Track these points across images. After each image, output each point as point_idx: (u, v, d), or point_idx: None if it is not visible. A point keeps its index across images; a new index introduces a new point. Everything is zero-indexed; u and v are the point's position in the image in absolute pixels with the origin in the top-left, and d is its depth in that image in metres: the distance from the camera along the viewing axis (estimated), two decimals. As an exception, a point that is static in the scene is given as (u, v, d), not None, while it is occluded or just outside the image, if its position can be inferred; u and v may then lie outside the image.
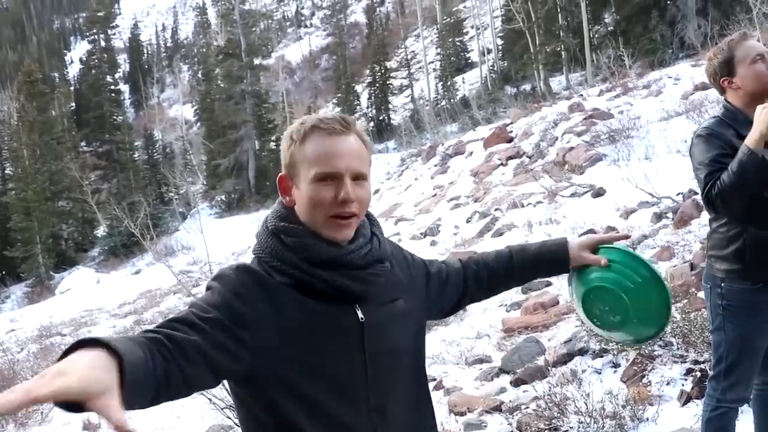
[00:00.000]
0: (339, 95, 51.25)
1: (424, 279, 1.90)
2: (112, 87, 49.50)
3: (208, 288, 1.61)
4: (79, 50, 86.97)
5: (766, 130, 2.64)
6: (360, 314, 1.66)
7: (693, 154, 2.93)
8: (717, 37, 19.44)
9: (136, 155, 48.95)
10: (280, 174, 1.70)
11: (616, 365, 5.06)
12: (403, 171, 25.48)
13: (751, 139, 2.68)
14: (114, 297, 21.59)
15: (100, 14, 51.91)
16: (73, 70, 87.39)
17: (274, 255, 1.64)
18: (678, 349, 4.81)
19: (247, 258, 1.75)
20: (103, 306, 20.11)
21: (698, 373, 4.40)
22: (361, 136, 1.69)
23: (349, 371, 1.63)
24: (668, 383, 4.52)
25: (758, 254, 2.85)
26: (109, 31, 52.79)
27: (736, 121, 2.88)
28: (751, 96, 2.87)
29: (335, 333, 1.62)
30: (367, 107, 49.94)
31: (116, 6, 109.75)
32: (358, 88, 52.30)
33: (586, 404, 4.26)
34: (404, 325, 1.77)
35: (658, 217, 9.06)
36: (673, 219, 8.55)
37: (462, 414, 5.16)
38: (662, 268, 6.92)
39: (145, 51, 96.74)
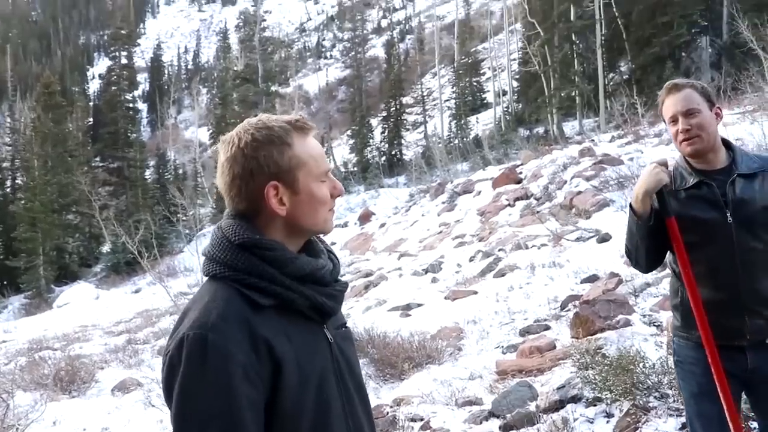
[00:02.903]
0: (354, 127, 51.36)
1: None
2: (130, 104, 49.84)
3: (197, 367, 1.40)
4: (101, 66, 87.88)
5: (642, 193, 2.62)
6: (329, 335, 1.61)
7: None
8: (729, 89, 19.44)
9: (147, 174, 49.14)
10: (270, 183, 1.53)
11: (609, 415, 4.87)
12: (410, 206, 25.44)
13: (632, 196, 2.69)
14: (111, 314, 21.42)
15: (123, 32, 52.53)
16: (94, 86, 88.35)
17: (251, 272, 1.49)
18: (674, 401, 4.63)
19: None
20: (98, 323, 19.91)
21: (693, 430, 4.22)
22: None
23: (332, 396, 1.55)
24: (662, 438, 4.33)
25: (687, 316, 2.71)
26: (132, 49, 53.27)
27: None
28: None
29: (318, 359, 1.55)
30: (381, 141, 50.03)
31: (141, 26, 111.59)
32: (373, 121, 52.37)
33: (574, 454, 4.08)
34: (354, 350, 1.73)
35: (664, 265, 8.88)
36: (677, 269, 8.37)
37: (446, 456, 4.97)
38: (663, 317, 6.75)
39: (166, 72, 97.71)
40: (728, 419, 2.58)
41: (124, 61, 50.57)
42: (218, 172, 1.59)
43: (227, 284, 1.50)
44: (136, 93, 60.29)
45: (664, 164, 2.68)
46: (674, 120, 2.69)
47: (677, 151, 2.82)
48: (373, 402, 6.66)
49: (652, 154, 15.48)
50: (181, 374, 1.40)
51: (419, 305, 11.21)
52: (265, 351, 1.43)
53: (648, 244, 2.66)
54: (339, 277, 1.67)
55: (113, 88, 49.84)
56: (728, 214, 2.61)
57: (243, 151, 1.54)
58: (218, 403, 1.37)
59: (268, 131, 1.54)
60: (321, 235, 1.70)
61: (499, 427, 5.29)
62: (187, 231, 35.22)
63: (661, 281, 8.29)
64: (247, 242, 1.50)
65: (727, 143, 2.76)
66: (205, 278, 1.58)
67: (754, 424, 3.98)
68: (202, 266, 1.59)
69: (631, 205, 2.68)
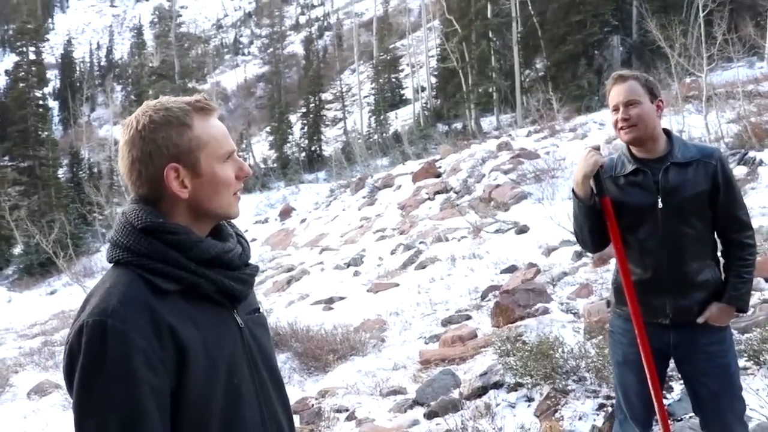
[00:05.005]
0: (272, 124, 50.81)
1: None
2: (40, 101, 47.87)
3: (97, 357, 1.36)
4: (6, 63, 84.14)
5: (581, 177, 2.78)
6: (239, 320, 1.58)
7: None
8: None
9: (60, 173, 47.35)
10: (170, 165, 1.49)
11: (530, 399, 5.00)
12: (331, 201, 25.41)
13: (573, 181, 2.88)
14: (25, 317, 20.63)
15: (30, 26, 50.32)
16: (0, 83, 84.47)
17: (154, 257, 1.46)
18: (591, 384, 4.80)
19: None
20: (11, 326, 19.16)
21: (610, 409, 4.38)
22: None
23: (244, 382, 1.54)
24: (580, 418, 4.48)
25: (618, 291, 2.94)
26: (40, 44, 51.03)
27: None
28: None
29: (227, 344, 1.53)
30: (300, 137, 49.69)
31: (50, 21, 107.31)
32: (292, 118, 51.93)
33: (496, 437, 4.17)
34: (267, 335, 1.71)
35: (579, 255, 9.18)
36: (592, 258, 8.66)
37: (372, 445, 5.01)
38: (579, 305, 6.97)
39: (78, 68, 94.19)
40: (650, 387, 2.76)
41: (32, 56, 48.46)
42: (118, 157, 1.55)
43: (130, 270, 1.46)
44: (47, 90, 57.90)
45: (596, 148, 2.83)
46: (616, 109, 2.84)
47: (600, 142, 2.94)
48: (299, 394, 6.65)
49: (567, 148, 15.93)
50: (81, 363, 1.37)
51: (342, 298, 11.23)
52: (168, 337, 1.40)
53: (591, 224, 2.83)
54: (249, 261, 1.65)
55: (21, 84, 47.70)
56: (659, 200, 2.76)
57: (140, 134, 1.50)
58: (119, 391, 1.34)
59: (166, 112, 1.51)
60: (231, 220, 1.68)
61: (424, 415, 5.35)
62: (103, 230, 34.22)
63: (578, 270, 8.57)
64: (149, 226, 1.47)
65: (668, 133, 2.91)
66: (110, 265, 1.53)
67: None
68: (106, 253, 1.54)
69: (573, 190, 2.85)
